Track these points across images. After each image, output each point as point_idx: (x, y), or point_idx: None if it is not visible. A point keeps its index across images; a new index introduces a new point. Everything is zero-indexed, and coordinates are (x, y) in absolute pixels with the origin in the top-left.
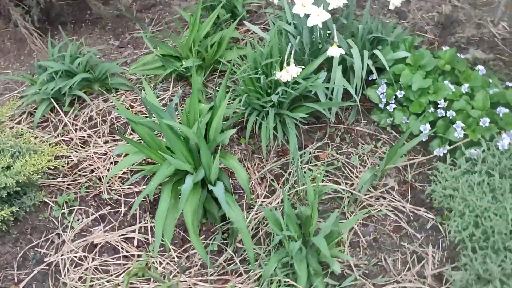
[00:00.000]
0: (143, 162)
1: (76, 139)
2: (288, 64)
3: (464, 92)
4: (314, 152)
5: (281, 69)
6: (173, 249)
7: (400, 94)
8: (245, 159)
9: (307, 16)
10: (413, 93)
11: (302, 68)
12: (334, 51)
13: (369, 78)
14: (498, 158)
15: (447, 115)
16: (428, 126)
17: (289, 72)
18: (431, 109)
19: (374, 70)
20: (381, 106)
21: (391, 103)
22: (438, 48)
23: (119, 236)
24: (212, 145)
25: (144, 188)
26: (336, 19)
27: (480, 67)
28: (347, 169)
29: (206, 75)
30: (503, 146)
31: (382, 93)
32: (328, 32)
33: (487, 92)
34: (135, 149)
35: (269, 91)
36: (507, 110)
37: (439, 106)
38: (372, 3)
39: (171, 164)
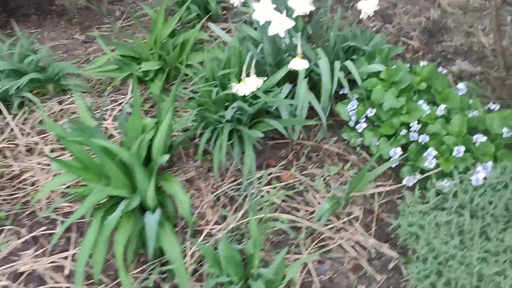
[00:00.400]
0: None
1: (22, 146)
2: (247, 76)
3: (440, 115)
4: (276, 172)
5: (239, 80)
6: (105, 282)
7: (371, 112)
8: (199, 177)
9: (269, 23)
10: (384, 113)
11: (264, 81)
12: (297, 64)
13: (341, 92)
14: (470, 194)
15: (420, 139)
16: (399, 150)
17: (248, 85)
18: (404, 132)
19: (345, 84)
20: (351, 124)
21: (361, 122)
22: (423, 57)
23: (49, 263)
24: (154, 166)
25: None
26: (303, 27)
27: (461, 86)
28: (309, 193)
29: (170, 79)
30: (477, 181)
31: (352, 110)
32: None
33: (464, 116)
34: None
35: (227, 104)
36: (485, 139)
37: (411, 129)
38: (352, 7)
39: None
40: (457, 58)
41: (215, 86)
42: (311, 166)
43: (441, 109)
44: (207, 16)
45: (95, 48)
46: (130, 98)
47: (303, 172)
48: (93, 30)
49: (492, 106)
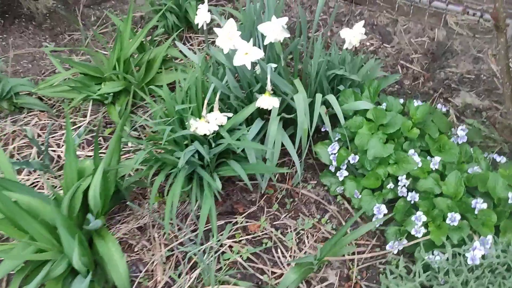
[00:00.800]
0: None
1: None
2: (210, 111)
3: (434, 169)
4: (242, 222)
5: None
6: None
7: (353, 159)
8: (153, 224)
9: (235, 51)
10: (369, 162)
11: (230, 117)
12: (265, 102)
13: (322, 129)
14: (464, 276)
15: (409, 197)
16: (383, 208)
17: (209, 123)
18: (391, 185)
19: (326, 121)
20: (332, 169)
21: (343, 169)
22: (423, 85)
23: None
24: (86, 223)
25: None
26: (276, 58)
27: (461, 133)
28: (279, 250)
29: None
30: (473, 260)
31: (333, 154)
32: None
33: (463, 172)
34: None
35: (186, 142)
36: (485, 206)
37: (399, 183)
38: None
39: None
40: (462, 88)
41: (169, 124)
42: (285, 215)
43: (435, 162)
44: (178, 30)
45: (65, 57)
46: (89, 121)
47: (275, 223)
48: (64, 37)
49: (498, 158)
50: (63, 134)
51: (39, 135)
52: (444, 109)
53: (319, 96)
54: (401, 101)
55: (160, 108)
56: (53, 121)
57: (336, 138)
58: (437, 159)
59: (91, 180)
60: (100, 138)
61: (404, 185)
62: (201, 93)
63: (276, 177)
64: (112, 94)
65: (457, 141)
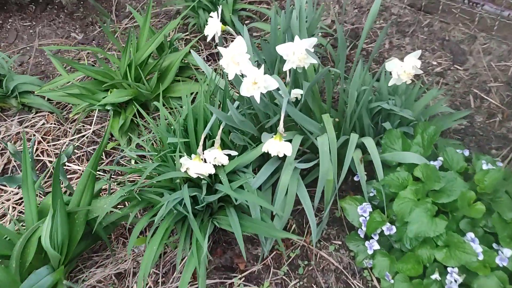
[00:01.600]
0: None
1: None
2: (208, 147)
3: (501, 265)
4: (240, 285)
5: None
6: None
7: (389, 229)
8: (134, 272)
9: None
10: (408, 238)
11: (230, 155)
12: (273, 148)
13: (356, 178)
14: None
15: None
16: None
17: (207, 162)
18: (436, 275)
19: (360, 171)
20: (361, 234)
21: (374, 238)
22: (500, 125)
23: None
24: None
25: None
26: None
27: None
28: None
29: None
30: None
31: (363, 217)
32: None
33: None
34: None
35: (177, 182)
36: None
37: (448, 276)
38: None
39: None
40: None
41: (161, 158)
42: (294, 282)
43: (503, 258)
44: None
45: (89, 52)
46: (94, 131)
47: None
48: (95, 28)
49: None
50: (64, 142)
51: (39, 142)
52: None
53: (354, 137)
54: (466, 153)
55: (151, 137)
56: (58, 125)
57: (371, 194)
58: (508, 252)
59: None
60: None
61: (455, 280)
62: (202, 123)
63: (293, 228)
64: (117, 104)
65: None
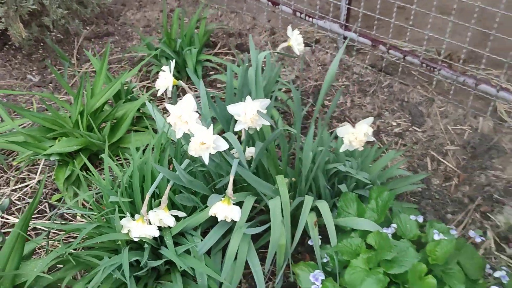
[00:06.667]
0: None
1: None
2: (151, 208)
3: None
4: None
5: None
6: None
7: None
8: None
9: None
10: None
11: (177, 216)
12: (221, 212)
13: (310, 242)
14: None
15: None
16: None
17: (152, 223)
18: None
19: (313, 236)
20: None
21: None
22: (456, 188)
23: None
24: None
25: None
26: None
27: (501, 273)
28: None
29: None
30: None
31: (316, 285)
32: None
33: None
34: None
35: (119, 243)
36: None
37: None
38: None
39: None
40: (507, 202)
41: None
42: None
43: None
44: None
45: (13, 104)
46: (39, 180)
47: None
48: (52, 70)
49: None
50: (5, 192)
51: None
52: (478, 239)
53: (308, 200)
54: (420, 219)
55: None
56: (1, 173)
57: (325, 260)
58: None
59: None
60: (46, 204)
61: None
62: (150, 181)
63: None
64: (64, 154)
65: None
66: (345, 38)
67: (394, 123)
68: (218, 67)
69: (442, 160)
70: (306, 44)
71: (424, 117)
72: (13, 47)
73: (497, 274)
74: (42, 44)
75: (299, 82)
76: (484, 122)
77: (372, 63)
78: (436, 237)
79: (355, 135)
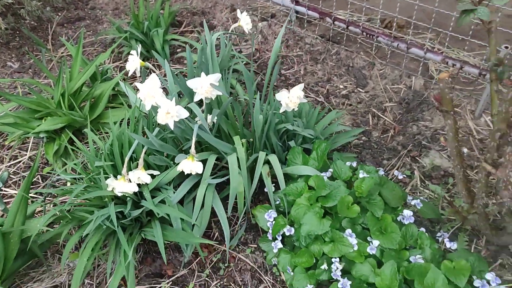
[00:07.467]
0: None
1: None
2: (130, 168)
3: (371, 253)
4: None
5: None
6: None
7: (289, 231)
8: (69, 284)
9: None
10: (303, 237)
11: (153, 175)
12: (186, 167)
13: (266, 190)
14: None
15: (341, 283)
16: None
17: (132, 181)
18: (325, 266)
19: (267, 183)
20: (270, 237)
21: (278, 239)
22: (391, 139)
23: None
24: None
25: None
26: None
27: (408, 213)
28: None
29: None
30: None
31: (270, 222)
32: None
33: (402, 261)
34: None
35: (105, 200)
36: None
37: (333, 265)
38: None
39: None
40: (433, 147)
41: (90, 180)
42: (216, 282)
43: (372, 247)
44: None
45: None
46: (30, 156)
47: None
48: (31, 57)
49: (449, 243)
50: (0, 169)
51: None
52: (400, 177)
53: (262, 155)
54: (354, 164)
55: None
56: None
57: (277, 202)
58: (376, 243)
59: None
60: (38, 176)
61: (338, 268)
62: (128, 147)
63: (215, 236)
64: (50, 131)
65: (405, 221)
66: (297, 12)
67: (342, 86)
68: (184, 45)
69: (381, 115)
70: (263, 19)
71: (367, 79)
72: None
73: (413, 202)
74: (18, 32)
75: (258, 54)
76: (416, 80)
77: (321, 33)
78: (361, 175)
79: (290, 98)
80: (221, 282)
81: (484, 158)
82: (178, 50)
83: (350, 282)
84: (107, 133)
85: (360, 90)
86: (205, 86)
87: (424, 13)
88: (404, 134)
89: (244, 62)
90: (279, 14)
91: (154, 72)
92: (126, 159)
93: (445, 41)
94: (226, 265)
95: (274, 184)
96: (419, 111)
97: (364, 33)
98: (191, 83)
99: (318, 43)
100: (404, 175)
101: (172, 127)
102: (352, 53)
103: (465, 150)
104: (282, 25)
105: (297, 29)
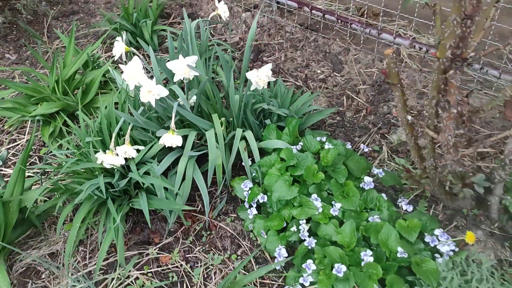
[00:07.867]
0: None
1: None
2: (118, 144)
3: (334, 215)
4: (154, 253)
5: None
6: None
7: (262, 198)
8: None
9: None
10: (274, 203)
11: (139, 150)
12: (167, 140)
13: (243, 164)
14: None
15: (307, 242)
16: (284, 251)
17: (118, 156)
18: (294, 228)
19: (244, 157)
20: (246, 205)
21: (253, 206)
22: (364, 118)
23: None
24: None
25: None
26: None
27: (368, 179)
28: (184, 285)
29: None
30: None
31: (246, 191)
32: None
33: (362, 221)
34: None
35: (96, 173)
36: (371, 259)
37: (300, 226)
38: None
39: None
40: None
41: (81, 154)
42: (199, 248)
43: (335, 209)
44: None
45: (22, 71)
46: (27, 140)
47: (187, 255)
48: (28, 49)
49: (405, 206)
50: (0, 151)
51: None
52: (366, 149)
53: (238, 132)
54: (324, 139)
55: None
56: None
57: (253, 174)
58: (338, 205)
59: None
60: (35, 157)
61: (305, 229)
62: (115, 125)
63: (199, 208)
64: (46, 115)
65: (366, 187)
66: (277, 2)
67: (319, 71)
68: (172, 36)
69: (355, 97)
70: (246, 10)
71: (343, 64)
72: None
73: (375, 171)
74: (15, 26)
75: (242, 43)
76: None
77: (301, 22)
78: (326, 146)
79: (259, 76)
80: (204, 248)
81: (427, 125)
82: (166, 40)
83: (315, 241)
84: (97, 116)
85: (336, 74)
86: (183, 67)
87: (397, 2)
88: (376, 114)
89: (228, 50)
90: (261, 5)
91: (139, 56)
92: (114, 135)
93: (418, 28)
94: (208, 233)
95: (251, 159)
96: (390, 92)
97: (339, 21)
98: (170, 64)
99: (297, 31)
100: (370, 149)
101: (154, 104)
102: (329, 40)
103: (409, 117)
104: (264, 15)
105: (278, 18)
